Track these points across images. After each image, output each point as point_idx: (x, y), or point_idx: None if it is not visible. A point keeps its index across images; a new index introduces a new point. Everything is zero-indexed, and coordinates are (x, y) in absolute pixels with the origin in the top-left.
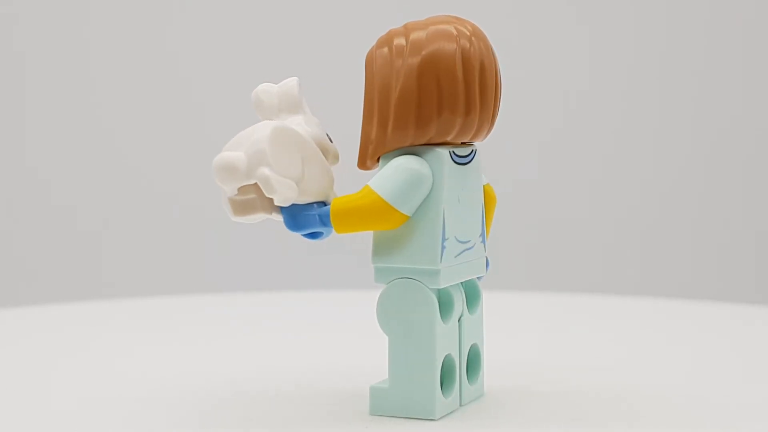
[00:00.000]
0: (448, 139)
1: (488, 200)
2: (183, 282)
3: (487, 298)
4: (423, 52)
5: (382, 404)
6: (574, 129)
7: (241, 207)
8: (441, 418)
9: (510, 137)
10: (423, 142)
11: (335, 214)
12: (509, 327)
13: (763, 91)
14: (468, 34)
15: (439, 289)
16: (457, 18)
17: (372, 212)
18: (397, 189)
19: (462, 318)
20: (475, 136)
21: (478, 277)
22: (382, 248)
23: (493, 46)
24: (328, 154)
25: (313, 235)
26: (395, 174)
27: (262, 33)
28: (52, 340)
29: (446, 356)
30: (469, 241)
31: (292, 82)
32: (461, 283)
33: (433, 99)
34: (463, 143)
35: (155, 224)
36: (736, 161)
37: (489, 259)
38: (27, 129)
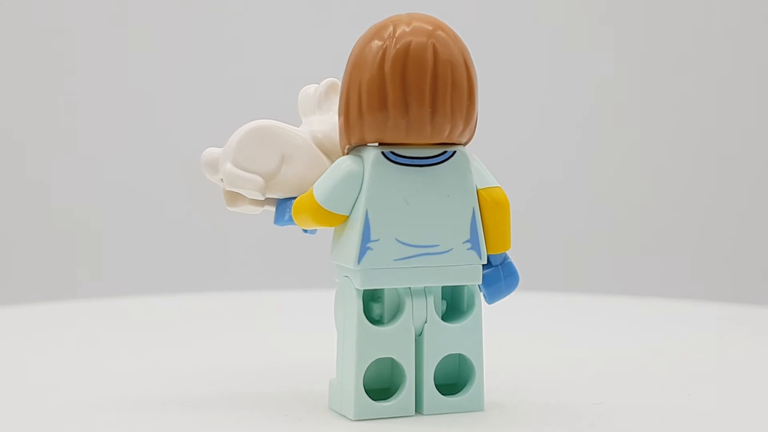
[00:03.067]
0: (384, 138)
1: (485, 204)
2: (182, 281)
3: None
4: (355, 52)
5: (332, 398)
6: (576, 130)
7: (232, 198)
8: (361, 420)
9: (510, 138)
10: (357, 142)
11: (293, 211)
12: (507, 327)
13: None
14: (407, 31)
15: (394, 291)
16: (409, 15)
17: (309, 211)
18: (327, 189)
19: (426, 325)
20: (414, 135)
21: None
22: (332, 245)
23: (452, 44)
24: (332, 153)
25: (305, 229)
26: (329, 174)
27: (276, 33)
28: (49, 339)
29: (388, 360)
30: (437, 246)
31: (323, 82)
32: (443, 288)
33: (355, 98)
34: (438, 144)
35: (154, 224)
36: (737, 161)
37: (513, 267)
38: (27, 127)
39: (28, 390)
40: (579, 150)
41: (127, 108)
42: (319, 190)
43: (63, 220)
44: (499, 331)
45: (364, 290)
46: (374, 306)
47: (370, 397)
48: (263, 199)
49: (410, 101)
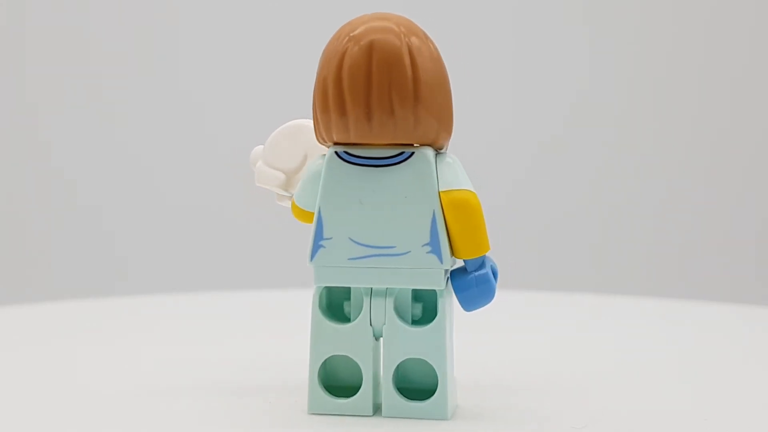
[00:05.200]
0: (332, 137)
1: (446, 207)
2: (181, 281)
3: None
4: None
5: None
6: (574, 130)
7: (279, 194)
8: (317, 414)
9: (510, 138)
10: (321, 141)
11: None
12: (502, 327)
13: (761, 91)
14: (353, 35)
15: (359, 290)
16: (371, 15)
17: (292, 208)
18: (299, 188)
19: (384, 326)
20: (354, 135)
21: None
22: None
23: (396, 43)
24: None
25: None
26: (303, 172)
27: (288, 34)
28: (46, 339)
29: (343, 358)
30: (393, 247)
31: None
32: (420, 291)
33: (313, 100)
34: (398, 144)
35: (158, 224)
36: (736, 161)
37: (487, 275)
38: (36, 126)
39: (57, 384)
40: (577, 150)
41: (135, 108)
42: (296, 188)
43: (59, 220)
44: (493, 332)
45: (340, 288)
46: (345, 304)
47: (344, 394)
48: (289, 195)
49: (347, 102)
